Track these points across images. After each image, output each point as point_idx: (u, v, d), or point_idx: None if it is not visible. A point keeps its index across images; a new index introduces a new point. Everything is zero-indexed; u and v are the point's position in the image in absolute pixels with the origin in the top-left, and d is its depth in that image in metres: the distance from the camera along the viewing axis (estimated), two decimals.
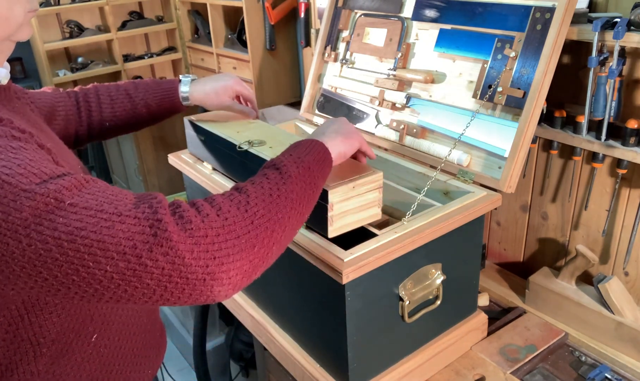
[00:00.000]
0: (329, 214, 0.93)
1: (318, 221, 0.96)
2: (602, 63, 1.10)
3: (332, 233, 0.95)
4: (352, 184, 0.94)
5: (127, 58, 2.69)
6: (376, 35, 1.46)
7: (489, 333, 1.25)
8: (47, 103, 1.06)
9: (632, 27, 1.04)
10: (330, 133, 0.90)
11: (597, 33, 1.07)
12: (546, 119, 1.26)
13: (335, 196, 0.93)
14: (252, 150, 1.10)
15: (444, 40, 1.30)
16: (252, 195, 0.68)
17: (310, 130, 1.58)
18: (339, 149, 0.88)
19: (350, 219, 0.97)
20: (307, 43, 2.07)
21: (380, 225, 1.07)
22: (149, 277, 0.59)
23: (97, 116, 1.14)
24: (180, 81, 1.21)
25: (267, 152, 1.08)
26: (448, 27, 1.29)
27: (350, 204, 0.96)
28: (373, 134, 1.44)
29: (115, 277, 0.59)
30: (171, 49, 2.83)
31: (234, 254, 0.63)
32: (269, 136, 1.18)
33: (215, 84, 1.19)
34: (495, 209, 1.41)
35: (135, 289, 0.60)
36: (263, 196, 0.69)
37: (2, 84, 0.78)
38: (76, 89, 1.16)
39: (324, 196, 0.92)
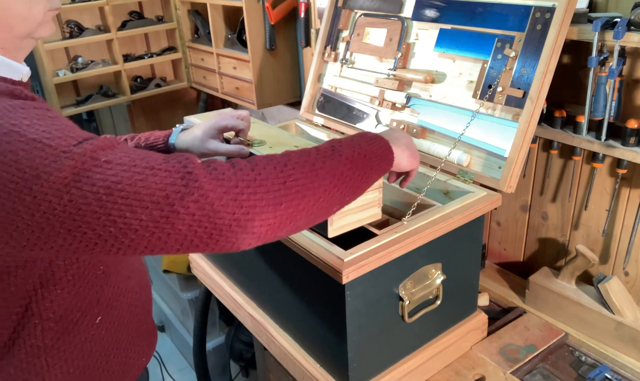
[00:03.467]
0: None
1: None
2: (602, 63, 1.10)
3: (332, 233, 0.95)
4: None
5: (127, 58, 2.69)
6: (376, 35, 1.46)
7: (489, 333, 1.25)
8: None
9: (632, 27, 1.04)
10: (402, 144, 0.91)
11: (597, 33, 1.07)
12: (546, 119, 1.26)
13: None
14: (252, 150, 1.09)
15: (444, 40, 1.30)
16: (293, 160, 0.73)
17: (310, 130, 1.58)
18: (401, 160, 0.90)
19: (350, 219, 0.97)
20: (307, 43, 2.07)
21: (380, 225, 1.07)
22: (181, 223, 0.64)
23: None
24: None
25: (266, 153, 1.07)
26: (448, 27, 1.29)
27: (350, 204, 0.96)
28: None
29: (150, 225, 0.63)
30: (171, 49, 2.83)
31: (260, 206, 0.67)
32: (269, 135, 1.17)
33: (198, 130, 1.11)
34: (495, 209, 1.41)
35: (169, 236, 0.64)
36: (305, 164, 0.73)
37: (22, 82, 0.79)
38: None
39: None
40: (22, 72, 0.78)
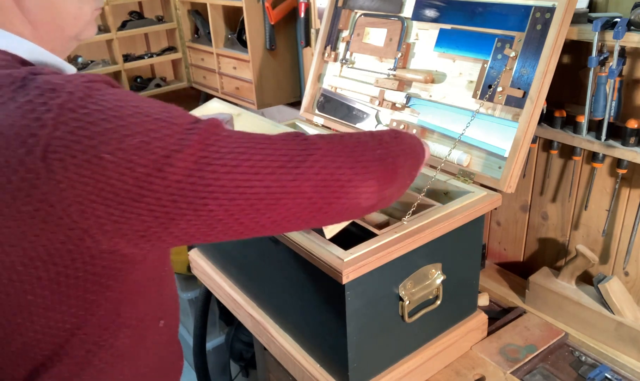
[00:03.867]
0: None
1: None
2: (602, 63, 1.10)
3: (328, 234, 0.96)
4: None
5: (127, 58, 2.69)
6: (376, 35, 1.46)
7: (489, 333, 1.25)
8: None
9: (632, 27, 1.04)
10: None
11: (597, 33, 1.07)
12: (546, 119, 1.26)
13: None
14: None
15: (444, 40, 1.30)
16: (388, 146, 0.80)
17: (310, 130, 1.58)
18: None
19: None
20: (307, 43, 2.07)
21: (380, 225, 1.07)
22: (307, 184, 0.66)
23: None
24: None
25: None
26: (448, 27, 1.29)
27: None
28: None
29: (277, 191, 0.64)
30: (171, 49, 2.83)
31: (364, 173, 0.73)
32: (255, 127, 1.18)
33: None
34: (495, 209, 1.41)
35: (294, 200, 0.66)
36: (402, 150, 0.82)
37: None
38: None
39: None
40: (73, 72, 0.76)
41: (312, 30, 1.99)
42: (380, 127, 1.42)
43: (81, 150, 0.55)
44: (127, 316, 0.72)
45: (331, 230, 0.96)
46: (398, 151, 0.81)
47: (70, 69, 0.75)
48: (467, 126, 1.18)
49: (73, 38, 0.74)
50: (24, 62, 0.67)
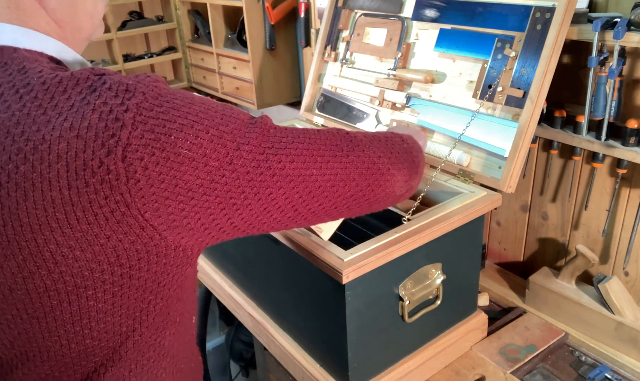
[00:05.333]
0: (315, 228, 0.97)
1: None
2: (602, 63, 1.10)
3: (325, 236, 0.96)
4: None
5: (127, 58, 2.69)
6: (376, 35, 1.46)
7: (489, 333, 1.25)
8: None
9: (632, 27, 1.04)
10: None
11: (597, 33, 1.07)
12: (546, 119, 1.26)
13: None
14: None
15: (444, 40, 1.30)
16: (409, 142, 0.89)
17: None
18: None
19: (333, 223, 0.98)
20: (307, 43, 2.07)
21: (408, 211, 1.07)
22: (356, 172, 0.73)
23: None
24: None
25: None
26: (448, 27, 1.29)
27: None
28: None
29: (332, 178, 0.70)
30: (171, 49, 2.83)
31: (398, 163, 0.82)
32: None
33: None
34: (495, 209, 1.41)
35: (344, 186, 0.73)
36: (419, 147, 0.91)
37: None
38: None
39: None
40: None
41: (312, 30, 1.99)
42: (381, 127, 1.42)
43: (160, 147, 0.56)
44: (174, 314, 0.72)
45: (327, 232, 0.97)
46: (417, 147, 0.89)
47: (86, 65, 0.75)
48: (467, 126, 1.18)
49: (87, 39, 0.74)
50: (58, 63, 0.66)
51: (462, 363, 1.17)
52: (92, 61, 2.62)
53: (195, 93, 0.66)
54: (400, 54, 1.38)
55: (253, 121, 0.64)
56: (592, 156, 1.21)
